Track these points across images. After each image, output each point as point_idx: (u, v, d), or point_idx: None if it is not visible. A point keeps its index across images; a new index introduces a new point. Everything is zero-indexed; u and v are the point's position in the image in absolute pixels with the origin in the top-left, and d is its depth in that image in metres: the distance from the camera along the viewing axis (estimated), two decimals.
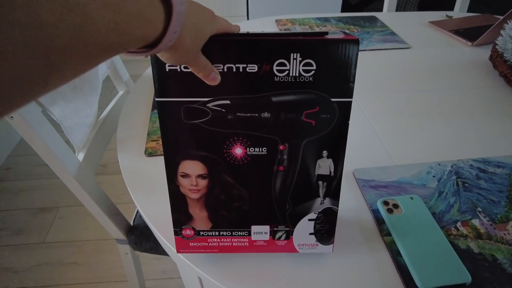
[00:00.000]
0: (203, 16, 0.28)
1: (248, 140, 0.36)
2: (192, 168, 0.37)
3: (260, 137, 0.36)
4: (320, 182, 0.39)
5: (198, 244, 0.43)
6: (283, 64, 0.32)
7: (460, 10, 1.33)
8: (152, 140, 0.63)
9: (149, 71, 0.87)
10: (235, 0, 2.07)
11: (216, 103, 0.34)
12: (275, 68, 0.32)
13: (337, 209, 0.41)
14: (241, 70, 0.32)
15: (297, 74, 0.33)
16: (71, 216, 1.44)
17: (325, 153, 0.37)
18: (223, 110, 0.34)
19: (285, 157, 0.37)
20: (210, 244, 0.43)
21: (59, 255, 1.29)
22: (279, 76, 0.33)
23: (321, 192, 0.39)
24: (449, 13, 1.22)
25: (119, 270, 1.23)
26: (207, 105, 0.34)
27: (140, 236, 0.76)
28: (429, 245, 0.45)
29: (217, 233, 0.42)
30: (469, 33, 1.05)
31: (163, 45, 0.25)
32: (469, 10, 1.35)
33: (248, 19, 2.16)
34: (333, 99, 0.34)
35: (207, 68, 0.31)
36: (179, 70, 0.32)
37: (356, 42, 0.31)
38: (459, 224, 0.49)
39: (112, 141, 0.79)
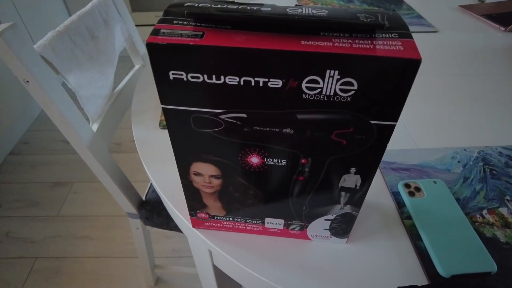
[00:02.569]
0: None
1: (266, 151, 0.32)
2: (204, 169, 0.34)
3: (280, 150, 0.31)
4: (343, 193, 0.35)
5: (213, 224, 0.42)
6: (315, 81, 0.26)
7: None
8: None
9: None
10: None
11: (230, 116, 0.29)
12: (304, 85, 0.26)
13: (357, 214, 0.37)
14: (261, 84, 0.26)
15: (331, 93, 0.26)
16: (85, 191, 1.46)
17: (353, 169, 0.32)
18: (238, 123, 0.30)
19: (306, 169, 0.33)
20: (224, 225, 0.42)
21: (73, 229, 1.31)
22: (309, 94, 0.26)
23: (343, 201, 0.36)
24: None
25: (130, 246, 1.25)
26: (220, 116, 0.29)
27: (151, 210, 0.75)
28: (452, 230, 0.43)
29: (231, 218, 0.41)
30: (502, 18, 0.99)
31: None
32: None
33: None
34: (372, 122, 0.28)
35: None
36: (185, 79, 0.27)
37: (417, 62, 0.24)
38: (485, 211, 0.46)
39: (127, 120, 0.78)
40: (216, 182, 0.36)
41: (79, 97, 0.63)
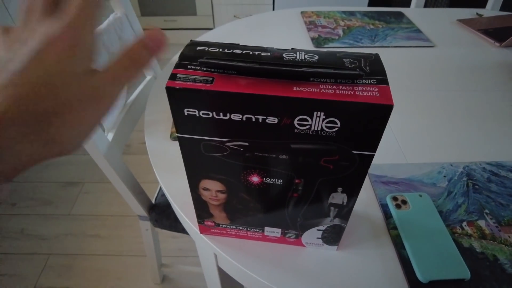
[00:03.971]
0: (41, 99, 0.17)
1: (264, 172, 0.37)
2: (212, 185, 0.39)
3: (276, 171, 0.36)
4: (332, 208, 0.40)
5: (218, 231, 0.47)
6: (305, 120, 0.31)
7: (492, 8, 1.30)
8: None
9: (177, 57, 0.91)
10: None
11: (234, 143, 0.34)
12: (296, 122, 0.31)
13: (345, 225, 0.42)
14: (260, 120, 0.31)
15: (319, 129, 0.31)
16: (95, 191, 1.52)
17: (340, 189, 0.37)
18: (241, 149, 0.35)
19: (299, 188, 0.38)
20: (228, 232, 0.47)
21: (83, 227, 1.37)
22: (300, 129, 0.32)
23: (332, 214, 0.41)
24: (480, 11, 1.19)
25: (138, 245, 1.30)
26: (225, 144, 0.34)
27: (161, 214, 0.81)
28: (432, 240, 0.47)
29: (234, 227, 0.46)
30: (498, 33, 1.03)
31: None
32: (502, 9, 1.31)
33: (273, 6, 2.16)
34: (354, 151, 0.33)
35: (118, 81, 0.22)
36: (197, 115, 0.32)
37: (389, 108, 0.29)
38: (464, 223, 0.50)
39: (136, 123, 0.84)
40: (222, 196, 0.41)
41: None
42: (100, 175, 1.60)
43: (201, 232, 0.48)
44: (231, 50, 0.33)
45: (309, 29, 1.03)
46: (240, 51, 0.33)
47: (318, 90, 0.30)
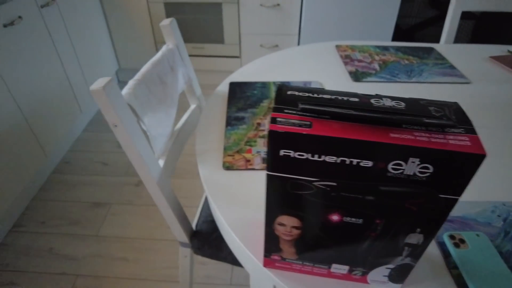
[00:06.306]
0: None
1: (346, 211, 0.38)
2: (288, 221, 0.41)
3: (358, 211, 0.37)
4: (406, 247, 0.40)
5: (283, 265, 0.48)
6: (399, 164, 0.32)
7: None
8: (229, 155, 0.69)
9: (221, 88, 0.94)
10: (288, 19, 2.15)
11: (322, 183, 0.36)
12: (390, 166, 0.33)
13: (415, 264, 0.43)
14: (354, 163, 0.33)
15: (411, 174, 0.33)
16: (122, 213, 1.54)
17: (418, 230, 0.38)
18: (328, 189, 0.36)
19: (379, 227, 0.39)
20: (293, 267, 0.48)
21: (111, 249, 1.38)
22: (393, 173, 0.33)
23: (405, 253, 0.41)
24: (511, 48, 1.21)
25: (164, 270, 1.30)
26: (313, 183, 0.36)
27: (203, 241, 0.81)
28: (498, 283, 0.47)
29: (301, 262, 0.47)
30: None
31: None
32: None
33: (299, 37, 2.23)
34: (441, 195, 0.34)
35: None
36: (292, 156, 0.34)
37: (482, 157, 0.30)
38: None
39: (182, 150, 0.86)
40: (296, 232, 0.42)
41: (150, 136, 0.72)
42: (127, 197, 1.62)
43: (264, 265, 0.49)
44: (320, 95, 0.36)
45: (345, 63, 1.06)
46: (329, 96, 0.36)
47: (413, 137, 0.31)
